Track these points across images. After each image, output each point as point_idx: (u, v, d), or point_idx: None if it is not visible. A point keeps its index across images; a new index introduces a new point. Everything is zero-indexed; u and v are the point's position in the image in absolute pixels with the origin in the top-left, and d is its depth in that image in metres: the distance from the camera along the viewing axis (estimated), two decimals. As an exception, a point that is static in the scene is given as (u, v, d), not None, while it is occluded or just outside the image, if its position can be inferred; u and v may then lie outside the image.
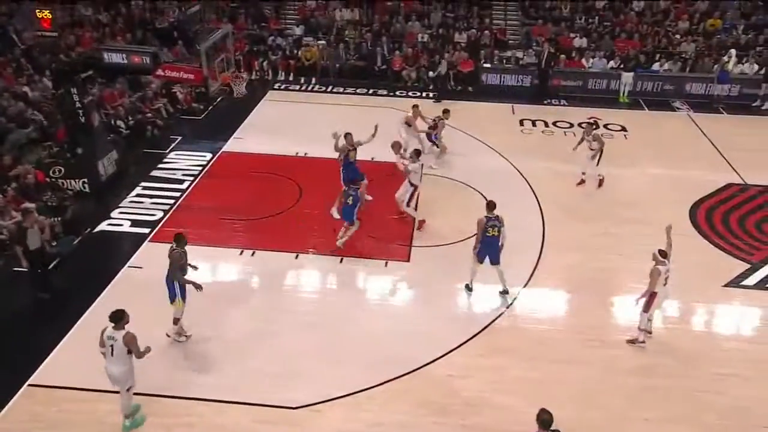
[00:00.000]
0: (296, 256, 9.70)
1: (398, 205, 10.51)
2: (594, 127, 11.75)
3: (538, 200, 11.48)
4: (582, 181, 11.99)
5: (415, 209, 10.47)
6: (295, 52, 18.24)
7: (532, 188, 11.92)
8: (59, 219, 9.70)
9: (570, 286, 9.19)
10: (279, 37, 18.85)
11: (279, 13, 20.69)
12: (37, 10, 12.26)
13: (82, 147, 11.00)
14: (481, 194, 11.39)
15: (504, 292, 8.90)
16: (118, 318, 6.22)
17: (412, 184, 10.30)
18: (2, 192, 9.75)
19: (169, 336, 7.78)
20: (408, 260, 9.73)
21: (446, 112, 13.17)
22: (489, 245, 8.56)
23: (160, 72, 10.04)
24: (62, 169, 11.03)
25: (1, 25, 15.98)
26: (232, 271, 9.40)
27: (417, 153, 10.54)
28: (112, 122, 12.66)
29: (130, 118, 13.20)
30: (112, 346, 6.23)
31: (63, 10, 18.65)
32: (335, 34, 19.01)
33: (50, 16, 12.21)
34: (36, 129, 12.34)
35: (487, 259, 8.68)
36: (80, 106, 10.51)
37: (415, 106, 13.04)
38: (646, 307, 7.90)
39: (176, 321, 7.74)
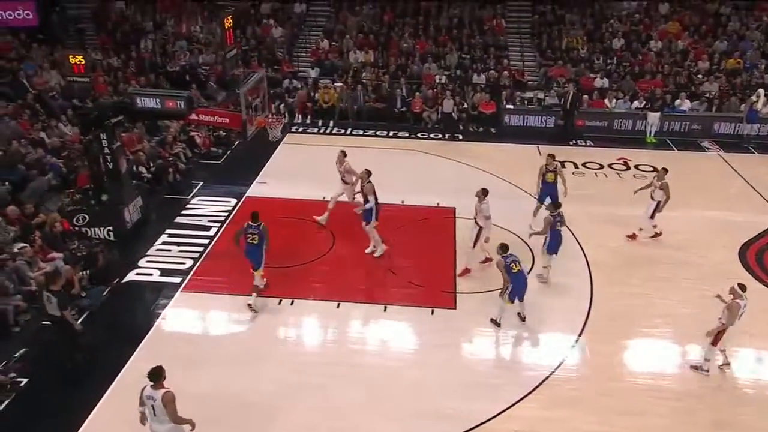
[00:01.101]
0: (338, 305, 9.77)
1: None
2: (665, 173, 11.35)
3: (580, 244, 11.69)
4: (634, 235, 11.76)
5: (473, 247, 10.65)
6: (312, 95, 18.81)
7: (572, 232, 12.14)
8: (88, 271, 9.72)
9: (626, 333, 9.26)
10: (294, 79, 19.49)
11: (291, 56, 21.49)
12: (69, 56, 12.71)
13: (108, 193, 11.18)
14: (522, 239, 11.63)
15: (522, 319, 9.34)
16: (156, 376, 6.22)
17: (477, 224, 10.60)
18: (28, 242, 9.82)
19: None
20: (455, 307, 9.82)
21: (551, 156, 12.21)
22: (518, 281, 9.00)
23: (194, 116, 10.30)
24: (86, 217, 11.17)
25: (12, 71, 16.50)
26: (271, 322, 9.42)
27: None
28: (134, 168, 12.90)
29: (150, 164, 13.49)
30: (152, 406, 6.22)
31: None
32: (352, 76, 19.67)
33: (83, 62, 12.65)
34: (56, 176, 12.58)
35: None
36: (108, 151, 10.75)
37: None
38: (715, 341, 8.08)
39: (256, 288, 9.36)
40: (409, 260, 11.01)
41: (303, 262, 10.90)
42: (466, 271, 10.65)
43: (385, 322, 9.45)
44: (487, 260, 10.74)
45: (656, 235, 11.82)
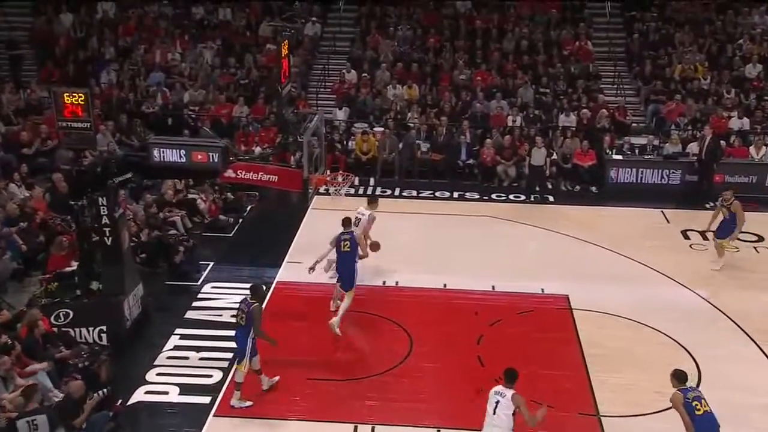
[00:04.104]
0: (438, 431, 9.86)
1: None
2: None
3: (758, 344, 11.88)
4: None
5: None
6: (346, 143, 19.58)
7: (741, 328, 12.34)
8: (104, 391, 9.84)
9: None
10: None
11: (307, 92, 22.48)
12: (65, 94, 13.40)
13: (101, 280, 11.49)
14: (672, 338, 11.83)
15: None
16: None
17: None
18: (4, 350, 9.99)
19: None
20: (602, 437, 9.89)
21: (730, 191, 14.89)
22: (703, 426, 8.53)
23: (230, 173, 10.82)
24: (69, 313, 11.39)
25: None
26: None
27: None
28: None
29: (142, 237, 13.91)
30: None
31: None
32: (394, 118, 20.52)
33: (82, 101, 13.36)
34: (16, 257, 12.91)
35: None
36: (108, 222, 11.16)
37: None
38: None
39: (239, 386, 10.03)
40: (524, 370, 11.09)
41: (375, 373, 11.07)
42: None
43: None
44: None
45: None
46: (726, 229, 14.44)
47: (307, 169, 10.76)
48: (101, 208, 11.09)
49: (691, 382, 9.44)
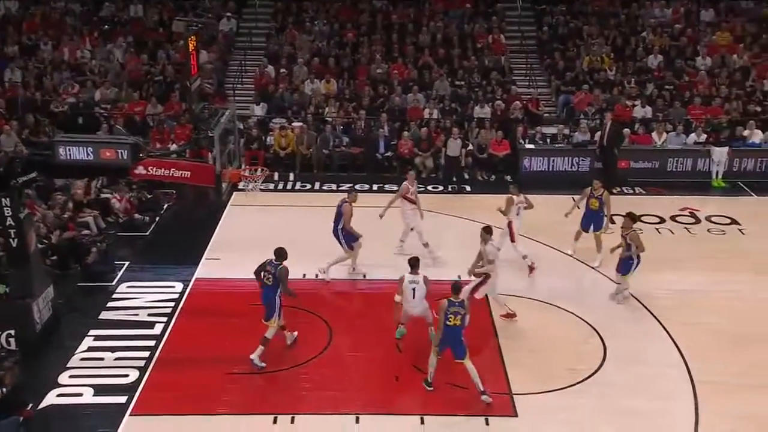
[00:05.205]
0: (356, 419, 9.99)
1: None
2: None
3: (662, 325, 12.40)
4: None
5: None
6: (264, 138, 19.46)
7: (647, 308, 12.91)
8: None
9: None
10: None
11: (224, 87, 22.25)
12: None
13: (8, 283, 11.17)
14: (582, 318, 12.31)
15: (484, 395, 10.25)
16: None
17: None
18: None
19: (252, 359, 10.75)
20: (515, 414, 10.21)
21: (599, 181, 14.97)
22: (451, 336, 10.27)
23: (141, 170, 10.66)
24: (-31, 319, 11.04)
25: None
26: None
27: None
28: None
29: (52, 238, 13.54)
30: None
31: None
32: (314, 113, 20.54)
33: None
34: None
35: None
36: (13, 223, 10.84)
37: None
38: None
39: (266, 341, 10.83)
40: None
41: (294, 364, 11.12)
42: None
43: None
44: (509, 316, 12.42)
45: None
46: (594, 219, 14.43)
47: (219, 164, 10.68)
48: (5, 209, 10.75)
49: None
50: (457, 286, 10.51)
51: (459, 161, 18.72)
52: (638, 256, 12.74)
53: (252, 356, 10.87)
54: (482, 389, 10.23)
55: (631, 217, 13.07)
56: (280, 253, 10.97)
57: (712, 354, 11.53)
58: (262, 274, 11.02)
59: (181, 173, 10.78)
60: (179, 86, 21.08)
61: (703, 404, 10.32)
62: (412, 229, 14.63)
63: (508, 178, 19.32)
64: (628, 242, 12.73)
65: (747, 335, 12.05)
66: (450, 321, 10.17)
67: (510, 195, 14.30)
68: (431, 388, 10.53)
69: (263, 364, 10.89)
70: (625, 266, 12.91)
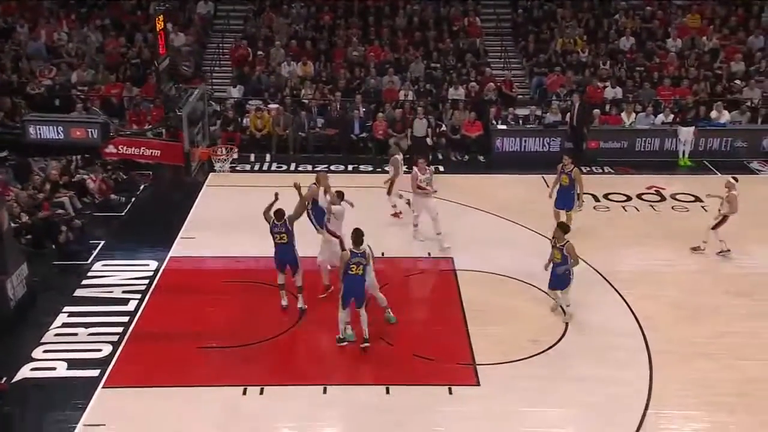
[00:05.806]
0: (324, 390, 10.26)
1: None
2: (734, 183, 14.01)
3: (623, 298, 12.76)
4: (698, 248, 14.26)
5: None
6: (240, 120, 19.61)
7: (609, 282, 13.26)
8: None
9: (705, 406, 10.17)
10: (211, 101, 20.26)
11: (201, 70, 22.34)
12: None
13: (-19, 261, 11.31)
14: (543, 291, 12.63)
15: (366, 342, 10.93)
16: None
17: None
18: None
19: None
20: (477, 384, 10.54)
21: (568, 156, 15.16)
22: (353, 285, 10.76)
23: (111, 149, 10.82)
24: (-57, 298, 11.20)
25: None
26: (241, 416, 9.76)
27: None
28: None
29: (25, 217, 13.67)
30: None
31: None
32: (291, 95, 20.69)
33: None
34: None
35: None
36: (-16, 201, 10.99)
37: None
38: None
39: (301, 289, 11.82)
40: (407, 327, 11.70)
41: (265, 338, 11.36)
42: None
43: (390, 408, 9.97)
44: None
45: (723, 251, 13.99)
46: (566, 198, 14.62)
47: (187, 143, 10.84)
48: (-23, 187, 10.94)
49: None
50: (359, 237, 10.83)
51: (425, 141, 18.96)
52: (572, 270, 11.83)
53: (299, 305, 11.96)
54: (367, 336, 10.98)
55: (563, 229, 12.12)
56: (280, 212, 11.51)
57: (669, 325, 11.92)
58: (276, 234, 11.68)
59: (152, 152, 10.95)
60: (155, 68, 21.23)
61: (657, 372, 10.71)
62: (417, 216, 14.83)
63: (481, 158, 19.68)
64: (564, 254, 11.70)
65: (704, 307, 12.47)
66: (352, 270, 10.66)
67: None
68: (345, 344, 11.09)
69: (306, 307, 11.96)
70: (562, 281, 11.91)
